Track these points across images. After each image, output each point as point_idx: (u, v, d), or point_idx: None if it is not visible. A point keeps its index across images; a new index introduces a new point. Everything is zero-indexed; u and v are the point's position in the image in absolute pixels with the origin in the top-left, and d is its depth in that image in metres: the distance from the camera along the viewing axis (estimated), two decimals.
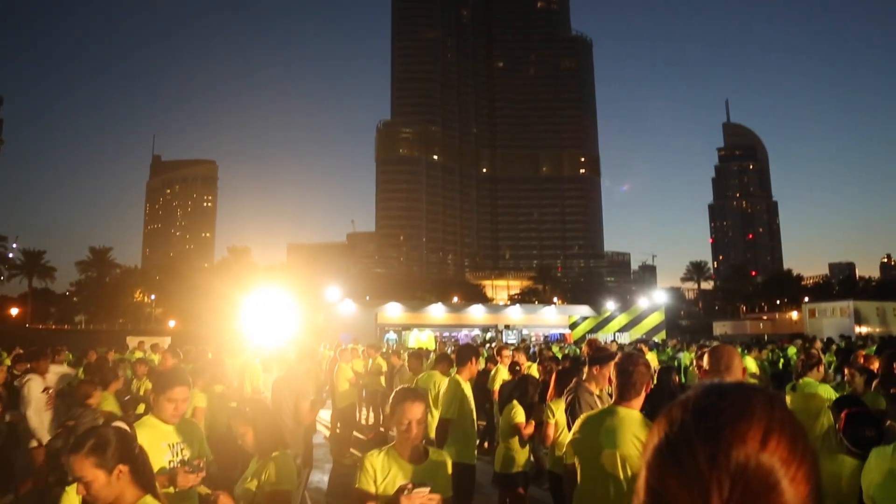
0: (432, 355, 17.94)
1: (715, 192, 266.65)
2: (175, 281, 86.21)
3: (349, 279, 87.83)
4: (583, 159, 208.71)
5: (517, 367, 10.19)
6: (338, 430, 12.50)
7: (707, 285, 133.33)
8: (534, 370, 11.37)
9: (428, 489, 2.99)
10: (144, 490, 2.71)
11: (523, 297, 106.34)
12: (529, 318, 53.11)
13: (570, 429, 4.58)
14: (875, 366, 8.18)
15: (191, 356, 12.46)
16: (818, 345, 16.73)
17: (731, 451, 0.81)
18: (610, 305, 54.83)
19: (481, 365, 13.33)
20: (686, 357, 17.88)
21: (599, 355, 5.56)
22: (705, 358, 4.07)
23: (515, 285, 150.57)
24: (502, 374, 11.03)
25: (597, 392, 5.34)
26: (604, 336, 41.06)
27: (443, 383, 7.02)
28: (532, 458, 7.26)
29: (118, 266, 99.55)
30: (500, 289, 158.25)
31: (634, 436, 3.49)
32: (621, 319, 50.14)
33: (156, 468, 3.35)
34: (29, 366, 8.08)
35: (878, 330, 40.65)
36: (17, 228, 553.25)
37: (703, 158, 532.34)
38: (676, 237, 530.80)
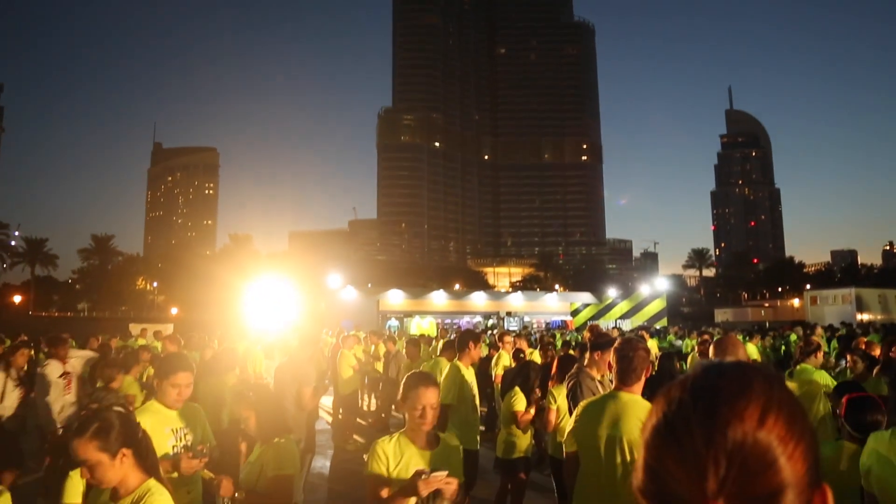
0: (434, 342, 18.05)
1: (717, 179, 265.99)
2: (177, 268, 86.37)
3: (351, 266, 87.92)
4: (585, 146, 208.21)
5: (521, 354, 10.20)
6: (340, 416, 12.55)
7: (709, 272, 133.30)
8: (536, 356, 11.40)
9: (445, 473, 2.96)
10: (148, 474, 2.73)
11: (525, 284, 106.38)
12: (531, 305, 53.15)
13: (571, 414, 4.59)
14: (877, 352, 8.20)
15: (193, 343, 12.51)
16: (819, 332, 16.75)
17: (728, 430, 0.82)
18: (611, 292, 54.83)
19: (483, 351, 13.41)
20: (687, 344, 17.93)
21: (601, 341, 5.57)
22: (710, 349, 4.08)
23: (517, 272, 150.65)
24: (504, 360, 11.06)
25: (598, 377, 5.36)
26: (605, 323, 41.09)
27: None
28: (534, 444, 7.29)
29: (120, 254, 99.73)
30: (502, 276, 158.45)
31: (639, 420, 3.48)
32: (623, 306, 50.18)
33: (159, 453, 3.37)
34: (48, 350, 8.10)
35: (879, 317, 40.71)
36: (19, 216, 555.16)
37: (706, 145, 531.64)
38: (678, 224, 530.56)
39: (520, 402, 6.55)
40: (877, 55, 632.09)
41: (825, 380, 6.39)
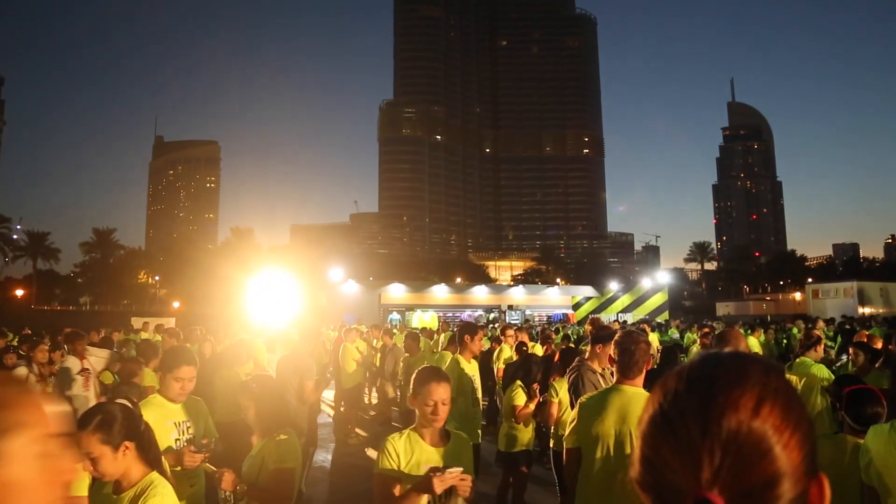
0: (435, 336, 18.07)
1: (719, 172, 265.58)
2: (179, 262, 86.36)
3: (352, 260, 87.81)
4: (586, 139, 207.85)
5: (524, 348, 10.21)
6: (342, 410, 12.57)
7: (710, 266, 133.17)
8: (538, 349, 11.40)
9: (460, 470, 2.91)
10: (150, 466, 2.73)
11: (526, 278, 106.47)
12: (533, 298, 53.16)
13: (573, 407, 4.58)
14: (879, 345, 8.19)
15: (194, 337, 12.51)
16: (820, 325, 16.72)
17: (723, 419, 0.81)
18: (613, 286, 54.82)
19: (485, 345, 13.41)
20: (689, 337, 17.93)
21: (602, 334, 5.56)
22: (714, 343, 4.06)
23: (519, 266, 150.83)
24: (506, 354, 11.06)
25: (599, 370, 5.35)
26: (607, 316, 41.09)
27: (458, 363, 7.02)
28: (535, 437, 7.30)
29: (122, 247, 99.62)
30: (504, 269, 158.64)
31: None
32: (624, 300, 50.20)
33: (162, 446, 3.37)
34: (67, 347, 8.09)
35: (881, 310, 40.68)
36: (21, 210, 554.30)
37: (708, 138, 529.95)
38: (680, 217, 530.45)
39: (520, 396, 6.55)
40: (880, 49, 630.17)
41: (823, 373, 6.40)
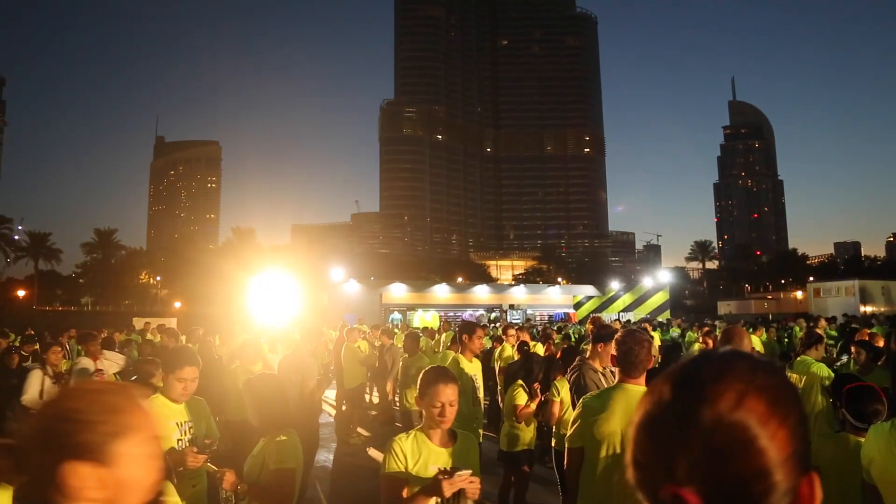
0: (436, 335, 18.06)
1: (720, 170, 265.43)
2: (180, 262, 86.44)
3: (353, 259, 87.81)
4: (587, 138, 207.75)
5: (525, 347, 10.20)
6: (343, 409, 12.57)
7: (712, 265, 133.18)
8: (539, 349, 11.40)
9: (469, 472, 2.89)
10: None
11: (528, 277, 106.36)
12: (534, 297, 53.12)
13: (574, 407, 4.57)
14: (881, 343, 8.18)
15: (196, 337, 12.52)
16: (822, 324, 16.70)
17: (701, 412, 0.81)
18: (614, 285, 54.75)
19: (487, 344, 13.40)
20: (690, 336, 17.92)
21: (603, 333, 5.56)
22: (719, 339, 4.06)
23: (520, 265, 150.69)
24: (507, 353, 11.06)
25: (600, 369, 5.35)
26: (608, 316, 41.06)
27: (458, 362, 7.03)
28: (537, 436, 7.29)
29: (123, 248, 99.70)
30: (505, 269, 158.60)
31: None
32: (626, 299, 50.13)
33: (164, 447, 3.37)
34: (80, 348, 8.08)
35: (883, 309, 40.55)
36: (23, 211, 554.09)
37: (709, 137, 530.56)
38: (681, 216, 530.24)
39: (521, 395, 6.55)
40: (881, 47, 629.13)
41: (824, 372, 6.40)
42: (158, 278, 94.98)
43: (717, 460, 0.78)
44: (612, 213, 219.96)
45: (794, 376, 6.54)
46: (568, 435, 3.97)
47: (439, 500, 2.93)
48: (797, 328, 18.35)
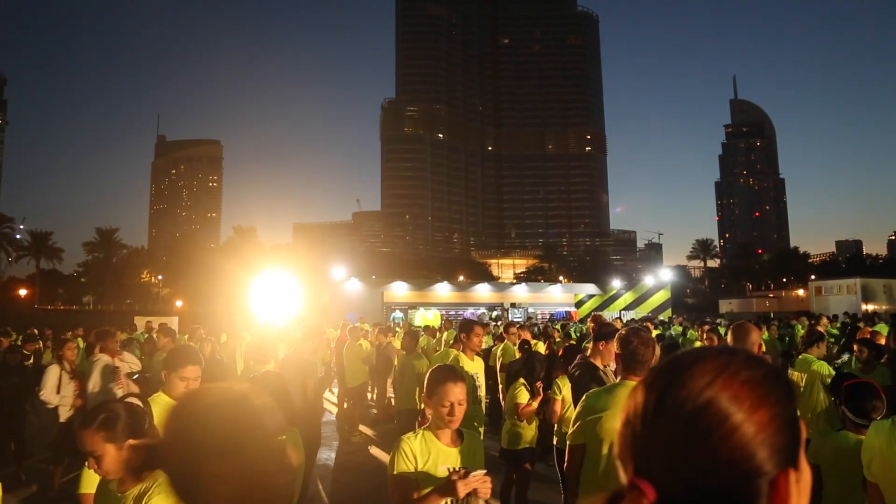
0: (438, 334, 18.07)
1: (722, 169, 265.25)
2: (182, 261, 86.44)
3: (355, 258, 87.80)
4: (588, 137, 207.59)
5: (526, 346, 10.21)
6: (345, 407, 12.58)
7: (713, 263, 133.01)
8: (540, 347, 11.40)
9: (483, 472, 2.89)
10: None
11: (529, 276, 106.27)
12: (535, 296, 53.12)
13: (576, 405, 4.57)
14: (883, 341, 8.17)
15: (197, 336, 12.54)
16: (824, 322, 16.70)
17: (674, 392, 0.80)
18: (616, 283, 54.69)
19: (487, 342, 13.41)
20: (691, 334, 17.93)
21: (604, 331, 5.57)
22: (728, 334, 4.09)
23: (521, 264, 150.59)
24: (508, 351, 11.06)
25: (602, 367, 5.35)
26: (610, 314, 41.05)
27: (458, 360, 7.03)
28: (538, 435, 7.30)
29: (125, 247, 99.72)
30: (506, 267, 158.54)
31: None
32: (627, 297, 50.09)
33: None
34: (99, 346, 8.10)
35: (884, 307, 40.54)
36: (24, 210, 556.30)
37: (710, 135, 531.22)
38: (683, 215, 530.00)
39: (523, 394, 6.55)
40: (883, 45, 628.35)
41: (825, 370, 6.40)
42: (160, 277, 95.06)
43: (686, 444, 0.76)
44: (613, 212, 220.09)
45: (795, 374, 6.54)
46: (570, 432, 3.96)
47: (451, 500, 2.91)
48: (799, 326, 18.36)
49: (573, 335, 16.84)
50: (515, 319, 37.31)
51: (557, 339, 14.40)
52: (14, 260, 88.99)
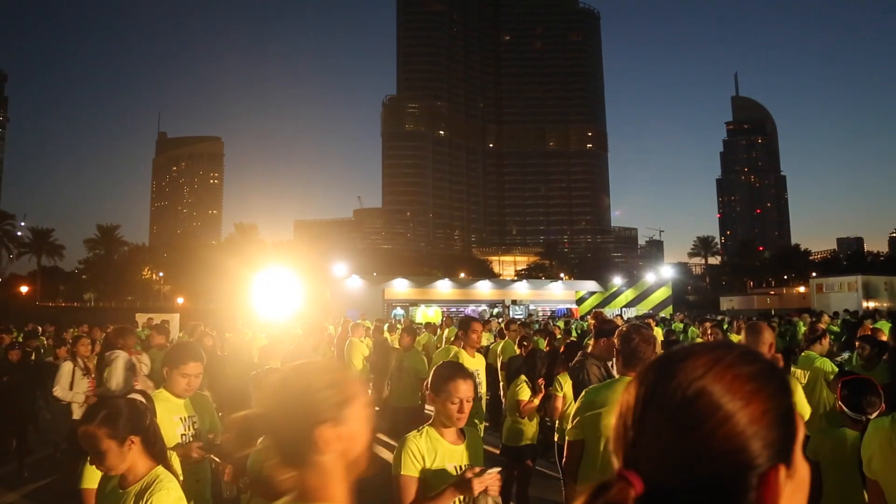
0: (438, 331, 18.06)
1: (723, 166, 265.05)
2: (183, 258, 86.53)
3: (356, 255, 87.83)
4: (590, 133, 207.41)
5: (525, 343, 10.21)
6: None
7: (714, 260, 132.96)
8: (541, 344, 11.40)
9: (498, 470, 2.88)
10: (156, 461, 2.75)
11: (530, 273, 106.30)
12: (536, 293, 53.13)
13: (576, 401, 4.57)
14: (884, 339, 8.16)
15: (198, 333, 12.54)
16: (825, 319, 16.69)
17: (666, 383, 0.80)
18: (617, 280, 54.74)
19: (486, 339, 13.40)
20: (693, 332, 17.92)
21: (606, 328, 5.56)
22: (743, 333, 4.10)
23: (522, 261, 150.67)
24: (509, 349, 11.06)
25: (603, 364, 5.35)
26: (611, 311, 41.05)
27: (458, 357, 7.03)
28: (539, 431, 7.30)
29: (126, 243, 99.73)
30: (507, 264, 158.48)
31: None
32: (628, 294, 50.14)
33: (168, 441, 3.37)
34: (118, 343, 8.08)
35: (885, 304, 40.53)
36: (25, 207, 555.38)
37: (712, 132, 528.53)
38: (684, 212, 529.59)
39: (524, 390, 6.55)
40: (884, 43, 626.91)
41: (828, 367, 6.39)
42: (161, 274, 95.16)
43: (675, 434, 0.76)
44: (614, 208, 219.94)
45: (798, 372, 6.53)
46: (568, 427, 3.96)
47: (461, 498, 2.90)
48: (801, 323, 18.33)
49: (573, 332, 16.84)
50: (516, 316, 37.34)
51: (558, 336, 14.38)
52: (15, 257, 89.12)
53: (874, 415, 3.55)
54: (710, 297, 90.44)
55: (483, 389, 6.84)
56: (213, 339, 10.85)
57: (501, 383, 10.22)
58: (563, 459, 4.00)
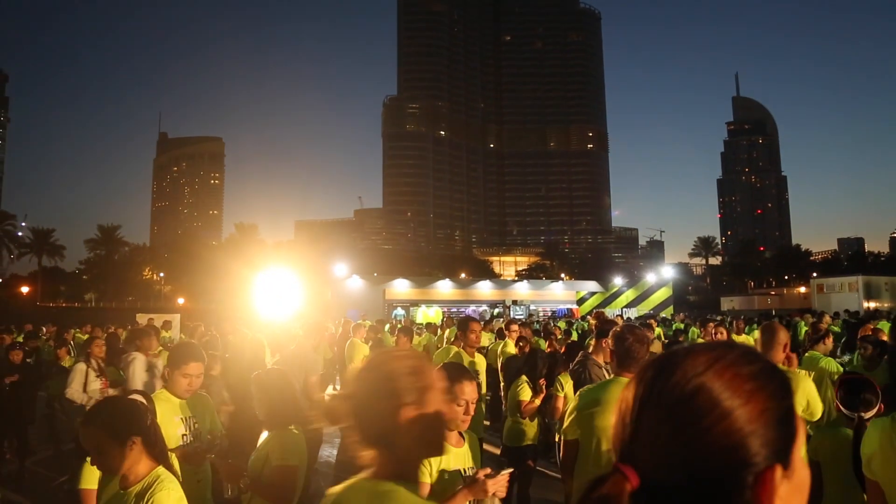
0: (439, 331, 18.06)
1: (724, 166, 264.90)
2: (183, 258, 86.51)
3: (357, 255, 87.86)
4: (590, 134, 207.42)
5: (521, 343, 10.21)
6: None
7: (715, 261, 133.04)
8: (542, 344, 11.39)
9: (510, 471, 2.91)
10: (157, 461, 2.74)
11: (531, 273, 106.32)
12: (537, 293, 53.13)
13: None
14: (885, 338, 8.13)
15: (198, 333, 12.54)
16: (827, 319, 16.66)
17: (665, 380, 0.80)
18: (618, 281, 54.75)
19: (486, 339, 13.39)
20: (693, 332, 17.91)
21: (607, 328, 5.56)
22: (757, 334, 4.13)
23: (523, 261, 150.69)
24: (508, 349, 11.05)
25: (604, 364, 5.35)
26: (611, 311, 41.04)
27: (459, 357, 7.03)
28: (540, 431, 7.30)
29: (127, 244, 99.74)
30: (508, 264, 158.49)
31: None
32: (629, 295, 50.13)
33: (169, 441, 3.37)
34: (136, 344, 8.06)
35: (886, 305, 40.48)
36: (26, 207, 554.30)
37: (712, 133, 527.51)
38: (684, 212, 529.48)
39: (525, 391, 6.55)
40: (885, 43, 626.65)
41: (833, 367, 6.37)
42: (162, 274, 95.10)
43: (673, 430, 0.76)
44: (615, 204, 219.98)
45: (802, 372, 6.51)
46: (564, 427, 3.98)
47: (470, 500, 2.90)
48: (802, 323, 18.29)
49: (573, 332, 16.83)
50: (517, 317, 37.32)
51: (559, 337, 14.38)
52: (16, 257, 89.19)
53: (870, 415, 3.54)
54: (710, 297, 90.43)
55: (483, 390, 6.84)
56: (214, 338, 10.82)
57: (502, 384, 10.23)
58: (563, 459, 4.01)
